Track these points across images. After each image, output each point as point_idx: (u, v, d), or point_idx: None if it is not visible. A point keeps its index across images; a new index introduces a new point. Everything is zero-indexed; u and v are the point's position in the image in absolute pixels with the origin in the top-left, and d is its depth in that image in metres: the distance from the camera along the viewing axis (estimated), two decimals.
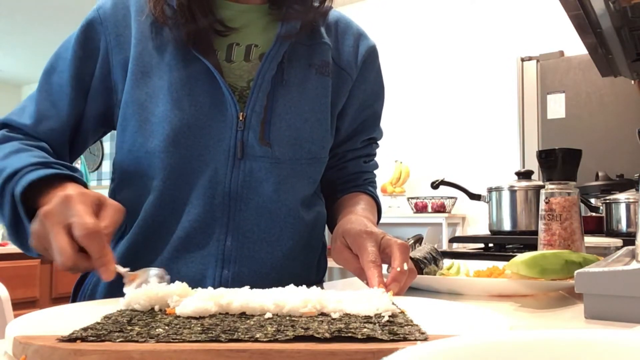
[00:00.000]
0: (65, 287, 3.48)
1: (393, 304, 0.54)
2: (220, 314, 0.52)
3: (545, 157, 0.95)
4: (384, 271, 0.74)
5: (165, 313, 0.53)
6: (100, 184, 6.04)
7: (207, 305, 0.52)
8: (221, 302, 0.53)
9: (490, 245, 1.68)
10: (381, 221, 1.03)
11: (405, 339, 0.43)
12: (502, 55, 3.78)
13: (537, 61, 3.34)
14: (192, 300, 0.53)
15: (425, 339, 0.43)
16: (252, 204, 0.87)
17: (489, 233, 1.71)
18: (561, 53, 3.39)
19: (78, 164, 4.50)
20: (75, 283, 0.94)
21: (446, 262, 0.93)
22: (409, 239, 1.79)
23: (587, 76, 3.11)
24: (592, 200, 2.06)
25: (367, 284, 0.72)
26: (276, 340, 0.42)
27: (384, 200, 3.78)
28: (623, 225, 1.74)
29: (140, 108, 0.86)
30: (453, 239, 1.89)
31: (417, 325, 0.47)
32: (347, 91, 0.99)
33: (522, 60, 3.43)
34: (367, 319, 0.49)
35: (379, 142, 1.11)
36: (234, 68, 0.89)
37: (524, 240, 1.59)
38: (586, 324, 0.60)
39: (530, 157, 3.27)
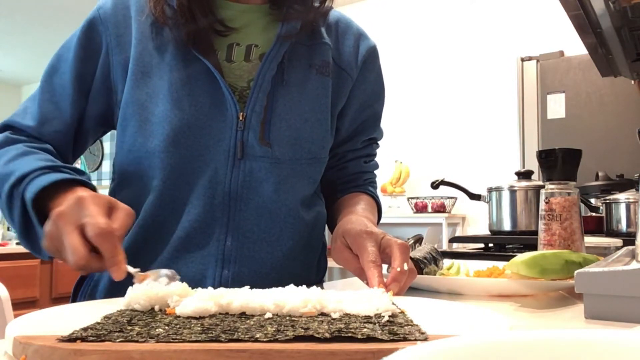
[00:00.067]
0: (65, 287, 3.48)
1: (393, 304, 0.54)
2: (220, 314, 0.52)
3: (545, 157, 0.95)
4: (384, 271, 0.74)
5: (165, 313, 0.53)
6: (100, 184, 6.04)
7: (207, 305, 0.52)
8: (221, 302, 0.53)
9: (490, 245, 1.68)
10: (381, 221, 1.03)
11: (405, 339, 0.43)
12: (502, 55, 3.78)
13: (537, 61, 3.35)
14: (192, 300, 0.53)
15: (425, 339, 0.43)
16: (252, 204, 0.87)
17: (489, 233, 1.71)
18: (561, 53, 3.39)
19: (78, 164, 4.51)
20: (75, 283, 0.94)
21: (446, 262, 0.93)
22: (409, 239, 1.79)
23: (587, 76, 3.11)
24: (592, 200, 2.06)
25: (367, 284, 0.72)
26: (276, 340, 0.42)
27: (384, 200, 3.78)
28: (623, 225, 1.74)
29: (141, 108, 0.87)
30: (453, 239, 1.89)
31: (417, 325, 0.47)
32: (348, 91, 0.99)
33: (522, 60, 3.43)
34: (367, 319, 0.49)
35: (379, 142, 1.11)
36: (234, 68, 0.89)
37: (524, 240, 1.59)
38: (586, 324, 0.60)
39: (530, 157, 3.27)
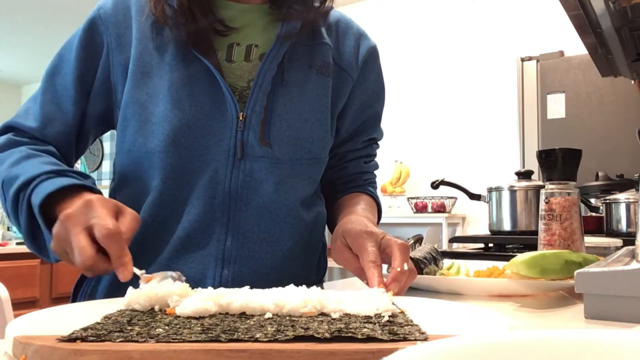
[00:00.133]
0: (65, 287, 3.48)
1: (393, 304, 0.54)
2: (220, 314, 0.52)
3: (545, 157, 0.95)
4: (384, 271, 0.74)
5: (165, 313, 0.53)
6: (100, 184, 6.04)
7: (207, 305, 0.52)
8: (221, 302, 0.53)
9: (490, 245, 1.68)
10: (381, 221, 1.03)
11: (405, 339, 0.43)
12: (502, 55, 3.78)
13: (537, 61, 3.35)
14: (192, 300, 0.53)
15: (425, 339, 0.43)
16: (252, 204, 0.87)
17: (489, 233, 1.71)
18: (561, 53, 3.39)
19: (78, 164, 4.51)
20: (75, 283, 0.94)
21: (446, 262, 0.93)
22: (409, 239, 1.79)
23: (587, 76, 3.11)
24: (592, 200, 2.06)
25: (367, 284, 0.72)
26: (276, 340, 0.42)
27: (384, 200, 3.78)
28: (623, 225, 1.74)
29: (141, 108, 0.87)
30: (453, 239, 1.89)
31: (417, 325, 0.47)
32: (348, 91, 0.99)
33: (522, 60, 3.43)
34: (367, 319, 0.49)
35: (379, 142, 1.11)
36: (234, 68, 0.89)
37: (524, 240, 1.59)
38: (586, 324, 0.60)
39: (530, 157, 3.27)
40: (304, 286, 0.60)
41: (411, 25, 4.25)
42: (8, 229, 3.69)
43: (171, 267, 0.84)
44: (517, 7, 3.80)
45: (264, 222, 0.87)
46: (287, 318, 0.50)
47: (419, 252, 0.88)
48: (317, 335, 0.43)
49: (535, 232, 0.97)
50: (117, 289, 0.84)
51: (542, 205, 0.94)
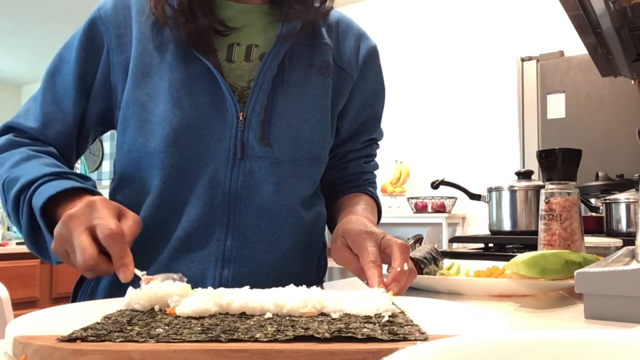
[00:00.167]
0: (65, 287, 3.48)
1: (393, 304, 0.54)
2: (220, 314, 0.52)
3: (545, 157, 0.95)
4: (384, 271, 0.74)
5: (165, 313, 0.53)
6: (100, 184, 6.04)
7: (207, 305, 0.52)
8: (221, 302, 0.53)
9: (490, 245, 1.68)
10: (381, 221, 1.03)
11: (405, 339, 0.43)
12: (502, 55, 3.78)
13: (537, 61, 3.34)
14: (192, 300, 0.53)
15: (425, 339, 0.43)
16: (252, 204, 0.87)
17: (489, 233, 1.71)
18: (561, 53, 3.39)
19: (78, 164, 4.51)
20: (75, 283, 0.94)
21: (446, 262, 0.93)
22: (409, 239, 1.80)
23: (587, 76, 3.11)
24: (592, 200, 2.06)
25: (367, 284, 0.72)
26: (276, 340, 0.42)
27: (384, 200, 3.78)
28: (623, 225, 1.74)
29: (141, 108, 0.87)
30: (453, 239, 1.89)
31: (417, 325, 0.47)
32: (348, 92, 0.99)
33: (522, 60, 3.43)
34: (367, 319, 0.49)
35: (379, 142, 1.11)
36: (235, 68, 0.89)
37: (524, 240, 1.59)
38: (586, 324, 0.60)
39: (530, 157, 3.27)
40: (304, 286, 0.60)
41: (411, 25, 4.25)
42: (8, 229, 3.69)
43: (171, 267, 0.84)
44: (517, 7, 3.80)
45: (264, 222, 0.87)
46: (287, 318, 0.50)
47: (419, 252, 0.88)
48: (317, 335, 0.43)
49: (535, 232, 0.97)
50: (117, 289, 0.84)
51: (542, 205, 0.94)
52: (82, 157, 5.01)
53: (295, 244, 0.90)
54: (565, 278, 0.75)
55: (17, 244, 3.38)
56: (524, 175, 1.64)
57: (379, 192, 1.13)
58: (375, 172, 1.10)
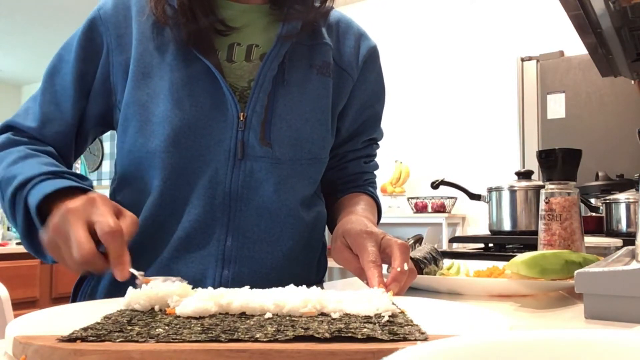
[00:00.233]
0: (65, 287, 3.48)
1: (393, 304, 0.54)
2: (220, 314, 0.52)
3: (545, 157, 0.95)
4: (384, 271, 0.74)
5: (165, 313, 0.53)
6: (100, 184, 6.04)
7: (207, 305, 0.52)
8: (221, 302, 0.53)
9: (490, 245, 1.68)
10: (381, 221, 1.03)
11: (405, 339, 0.43)
12: (502, 55, 3.78)
13: (537, 61, 3.35)
14: (192, 300, 0.53)
15: (425, 339, 0.43)
16: (253, 204, 0.87)
17: (489, 233, 1.71)
18: (561, 53, 3.39)
19: (78, 164, 4.51)
20: (75, 283, 0.94)
21: (446, 262, 0.93)
22: (409, 239, 1.79)
23: (587, 76, 3.11)
24: (592, 200, 2.06)
25: (367, 284, 0.72)
26: (276, 340, 0.42)
27: (384, 200, 3.78)
28: (623, 225, 1.74)
29: (141, 108, 0.87)
30: (453, 239, 1.89)
31: (417, 325, 0.47)
32: (348, 92, 0.99)
33: (522, 60, 3.43)
34: (367, 319, 0.49)
35: (379, 142, 1.11)
36: (235, 68, 0.89)
37: (524, 240, 1.59)
38: (586, 324, 0.60)
39: (530, 157, 3.27)
40: (304, 286, 0.60)
41: (411, 25, 4.25)
42: (8, 229, 3.69)
43: (171, 267, 0.84)
44: (517, 7, 3.80)
45: (264, 222, 0.87)
46: (287, 318, 0.50)
47: (419, 252, 0.88)
48: (317, 335, 0.43)
49: (535, 232, 0.97)
50: (117, 289, 0.84)
51: (542, 205, 0.94)
52: (82, 157, 5.01)
53: (295, 244, 0.90)
54: (565, 278, 0.75)
55: (17, 244, 3.38)
56: (524, 175, 1.64)
57: (379, 192, 1.13)
58: (375, 172, 1.10)
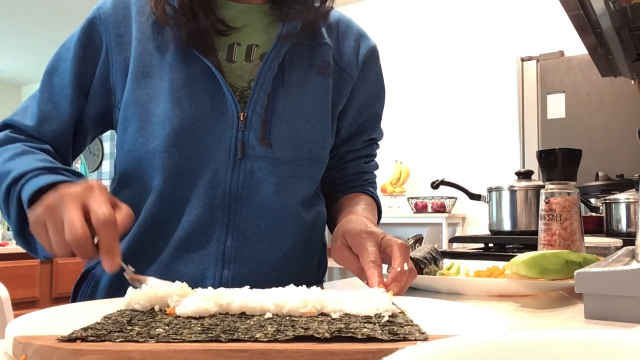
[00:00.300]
0: (65, 287, 3.48)
1: (393, 304, 0.54)
2: (220, 314, 0.52)
3: (545, 157, 0.95)
4: (384, 271, 0.74)
5: (165, 313, 0.53)
6: None
7: (207, 305, 0.52)
8: (221, 302, 0.53)
9: (490, 245, 1.68)
10: (381, 221, 1.03)
11: (405, 339, 0.43)
12: (502, 55, 3.78)
13: (537, 61, 3.35)
14: (192, 300, 0.53)
15: (425, 339, 0.43)
16: (253, 204, 0.87)
17: (489, 233, 1.71)
18: (561, 53, 3.39)
19: (78, 164, 4.51)
20: (75, 283, 0.94)
21: (446, 262, 0.93)
22: (409, 239, 1.79)
23: (587, 76, 3.11)
24: (592, 200, 2.06)
25: (367, 284, 0.72)
26: (276, 340, 0.42)
27: (384, 200, 3.78)
28: (623, 225, 1.74)
29: (141, 108, 0.87)
30: (453, 239, 1.89)
31: (417, 325, 0.47)
32: (348, 92, 0.99)
33: (522, 60, 3.43)
34: (367, 319, 0.49)
35: (379, 142, 1.11)
36: (235, 68, 0.89)
37: (524, 240, 1.59)
38: (586, 324, 0.60)
39: (530, 157, 3.27)
40: (304, 286, 0.60)
41: (411, 25, 4.25)
42: (8, 229, 3.69)
43: (171, 267, 0.84)
44: (517, 7, 3.80)
45: (264, 222, 0.87)
46: (287, 318, 0.50)
47: (419, 252, 0.88)
48: (317, 335, 0.43)
49: (535, 232, 0.97)
50: (117, 289, 0.84)
51: (542, 205, 0.94)
52: (82, 157, 5.01)
53: (295, 244, 0.90)
54: (565, 278, 0.75)
55: (17, 244, 3.38)
56: (524, 175, 1.64)
57: (379, 192, 1.13)
58: (375, 172, 1.10)
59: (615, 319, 0.60)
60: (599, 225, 1.86)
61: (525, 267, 0.74)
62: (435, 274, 0.86)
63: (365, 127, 1.04)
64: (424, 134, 4.12)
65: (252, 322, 0.48)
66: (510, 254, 1.48)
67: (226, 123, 0.86)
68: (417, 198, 3.97)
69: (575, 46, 2.88)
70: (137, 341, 0.42)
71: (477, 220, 3.88)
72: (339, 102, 0.98)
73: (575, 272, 0.62)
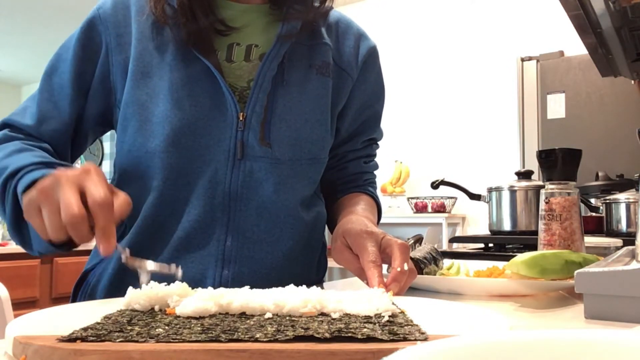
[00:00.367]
0: (65, 287, 3.48)
1: (393, 304, 0.54)
2: (220, 314, 0.52)
3: (545, 157, 0.95)
4: (384, 271, 0.74)
5: (165, 313, 0.53)
6: None
7: (207, 305, 0.52)
8: (221, 302, 0.53)
9: (490, 245, 1.68)
10: (381, 221, 1.03)
11: (405, 339, 0.43)
12: (502, 55, 3.78)
13: (537, 61, 3.35)
14: (192, 300, 0.53)
15: (425, 339, 0.43)
16: (252, 204, 0.87)
17: (489, 233, 1.71)
18: (561, 53, 3.39)
19: (78, 164, 4.50)
20: (75, 283, 0.94)
21: (446, 262, 0.93)
22: (409, 239, 1.79)
23: (587, 76, 3.11)
24: (592, 200, 2.06)
25: (367, 284, 0.72)
26: (276, 340, 0.42)
27: (384, 200, 3.78)
28: (623, 225, 1.74)
29: (141, 108, 0.87)
30: (453, 239, 1.89)
31: (417, 325, 0.47)
32: (348, 92, 0.99)
33: (522, 60, 3.43)
34: (367, 319, 0.49)
35: (379, 142, 1.11)
36: (234, 68, 0.89)
37: (524, 240, 1.59)
38: (586, 324, 0.60)
39: (530, 157, 3.27)
40: (304, 286, 0.60)
41: (411, 25, 4.25)
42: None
43: None
44: (517, 7, 3.80)
45: (264, 222, 0.87)
46: (287, 318, 0.50)
47: (419, 252, 0.88)
48: (317, 335, 0.43)
49: (535, 232, 0.97)
50: (117, 289, 0.84)
51: (542, 205, 0.94)
52: (82, 157, 5.01)
53: (295, 244, 0.90)
54: (565, 278, 0.75)
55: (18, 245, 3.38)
56: (524, 175, 1.64)
57: (379, 192, 1.13)
58: (375, 172, 1.10)
59: (615, 319, 0.60)
60: (599, 225, 1.86)
61: (525, 267, 0.74)
62: (435, 274, 0.86)
63: (365, 127, 1.04)
64: (424, 134, 4.13)
65: (252, 322, 0.48)
66: (510, 254, 1.48)
67: (225, 123, 0.86)
68: (417, 198, 3.97)
69: (575, 46, 2.88)
70: (137, 341, 0.42)
71: (477, 220, 3.88)
72: (338, 102, 0.98)
73: (575, 272, 0.62)
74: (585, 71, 3.10)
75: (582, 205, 1.61)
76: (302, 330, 0.44)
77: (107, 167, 6.11)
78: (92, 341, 0.42)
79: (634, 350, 0.28)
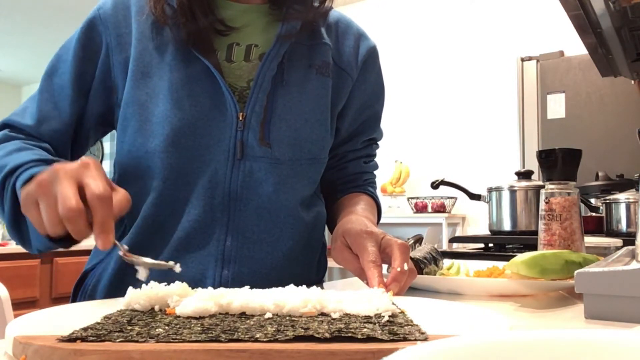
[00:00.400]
0: (65, 287, 3.48)
1: (393, 304, 0.54)
2: (220, 314, 0.52)
3: (545, 157, 0.95)
4: (384, 271, 0.74)
5: (165, 313, 0.53)
6: None
7: (207, 305, 0.52)
8: (221, 302, 0.53)
9: (490, 245, 1.68)
10: (381, 221, 1.03)
11: (405, 339, 0.43)
12: (502, 55, 3.78)
13: (537, 61, 3.35)
14: (192, 300, 0.53)
15: (425, 339, 0.43)
16: (252, 204, 0.87)
17: (489, 233, 1.71)
18: (561, 53, 3.39)
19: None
20: (75, 283, 0.94)
21: (446, 262, 0.93)
22: (409, 239, 1.79)
23: (587, 76, 3.11)
24: (592, 200, 2.06)
25: (367, 284, 0.72)
26: (276, 340, 0.42)
27: (384, 200, 3.78)
28: (623, 225, 1.74)
29: (141, 108, 0.87)
30: (453, 239, 1.89)
31: (417, 325, 0.47)
32: (348, 92, 0.99)
33: (522, 60, 3.43)
34: (367, 319, 0.49)
35: (379, 142, 1.11)
36: (234, 68, 0.89)
37: (524, 240, 1.59)
38: (586, 324, 0.60)
39: (530, 157, 3.27)
40: (304, 286, 0.60)
41: (411, 25, 4.25)
42: None
43: None
44: (517, 7, 3.80)
45: (264, 222, 0.87)
46: (287, 318, 0.50)
47: (419, 252, 0.88)
48: (317, 335, 0.43)
49: (535, 232, 0.97)
50: (117, 289, 0.84)
51: (542, 205, 0.94)
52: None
53: (295, 244, 0.90)
54: (565, 278, 0.75)
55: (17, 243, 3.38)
56: (524, 175, 1.64)
57: (379, 192, 1.13)
58: (375, 172, 1.10)
59: (615, 319, 0.60)
60: (599, 225, 1.86)
61: (525, 267, 0.74)
62: (435, 274, 0.86)
63: (365, 127, 1.04)
64: (424, 134, 4.12)
65: (252, 322, 0.48)
66: (510, 254, 1.48)
67: (225, 123, 0.86)
68: (417, 198, 3.97)
69: (575, 46, 2.89)
70: (137, 341, 0.42)
71: (477, 220, 3.88)
72: (338, 102, 0.98)
73: (575, 272, 0.62)
74: (585, 71, 3.10)
75: (582, 205, 1.61)
76: (302, 330, 0.44)
77: (107, 167, 6.11)
78: (92, 341, 0.42)
79: (634, 350, 0.28)
